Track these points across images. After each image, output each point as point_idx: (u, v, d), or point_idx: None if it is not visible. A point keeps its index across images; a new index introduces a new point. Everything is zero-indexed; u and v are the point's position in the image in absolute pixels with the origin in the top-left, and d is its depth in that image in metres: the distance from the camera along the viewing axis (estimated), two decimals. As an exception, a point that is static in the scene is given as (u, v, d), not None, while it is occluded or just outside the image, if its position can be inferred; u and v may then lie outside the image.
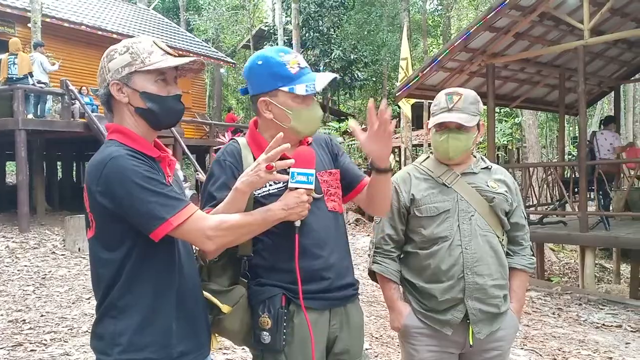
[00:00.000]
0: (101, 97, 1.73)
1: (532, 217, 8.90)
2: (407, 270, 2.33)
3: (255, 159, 1.83)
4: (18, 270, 7.64)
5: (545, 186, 10.15)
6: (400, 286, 2.36)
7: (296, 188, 1.71)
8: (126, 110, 1.70)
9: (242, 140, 2.00)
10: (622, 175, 9.86)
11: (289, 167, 1.70)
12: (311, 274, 1.87)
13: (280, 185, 1.84)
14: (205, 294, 1.86)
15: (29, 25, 12.80)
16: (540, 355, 4.87)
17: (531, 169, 10.04)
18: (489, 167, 2.37)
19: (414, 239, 2.30)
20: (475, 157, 2.40)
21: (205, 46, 22.65)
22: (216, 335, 1.94)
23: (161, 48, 1.71)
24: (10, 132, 10.59)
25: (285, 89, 1.84)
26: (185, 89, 19.50)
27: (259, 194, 1.85)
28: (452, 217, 2.23)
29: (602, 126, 9.84)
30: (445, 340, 2.24)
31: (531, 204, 9.98)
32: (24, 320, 5.43)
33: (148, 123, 1.70)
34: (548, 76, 10.92)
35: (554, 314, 6.39)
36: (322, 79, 1.84)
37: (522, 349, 5.00)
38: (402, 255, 2.38)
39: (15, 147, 10.61)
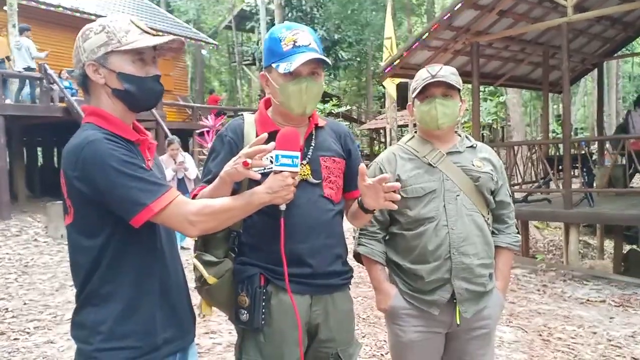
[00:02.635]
0: (77, 79, 1.66)
1: (517, 195, 8.95)
2: (392, 251, 2.31)
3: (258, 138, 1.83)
4: (0, 258, 7.53)
5: (529, 164, 10.19)
6: (386, 267, 2.33)
7: (281, 171, 1.67)
8: (103, 91, 1.63)
9: (249, 116, 2.02)
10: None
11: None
12: (293, 258, 1.85)
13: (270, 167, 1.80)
14: (195, 262, 1.89)
15: (5, 8, 12.49)
16: (526, 331, 4.91)
17: (516, 148, 10.06)
18: (474, 145, 2.35)
19: (399, 220, 2.27)
20: (460, 135, 2.37)
21: (187, 27, 22.30)
22: (208, 304, 1.98)
23: (139, 27, 1.64)
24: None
25: (275, 65, 1.86)
26: (166, 71, 19.39)
27: (258, 171, 1.81)
28: (438, 198, 2.20)
29: (636, 106, 9.82)
30: (432, 320, 2.22)
31: (516, 182, 10.02)
32: (7, 308, 5.37)
33: (126, 105, 1.64)
34: (532, 54, 10.91)
35: (539, 290, 6.44)
36: (300, 59, 1.82)
37: (507, 325, 5.04)
38: (387, 237, 2.35)
39: (-6, 133, 10.42)
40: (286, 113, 1.94)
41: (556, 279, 6.97)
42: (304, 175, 1.91)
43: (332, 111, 20.96)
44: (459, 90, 2.24)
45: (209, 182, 1.84)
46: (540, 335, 4.83)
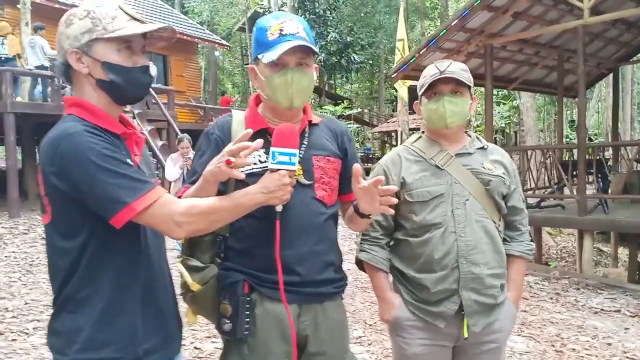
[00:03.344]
0: (58, 68, 1.55)
1: (530, 200, 8.79)
2: (397, 258, 2.18)
3: None
4: (5, 257, 7.49)
5: (543, 169, 10.02)
6: (389, 275, 2.21)
7: (277, 169, 1.55)
8: (86, 82, 1.52)
9: (239, 113, 1.89)
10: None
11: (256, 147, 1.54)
12: (281, 265, 1.72)
13: (267, 164, 1.68)
14: (180, 268, 1.78)
15: (18, 6, 12.51)
16: (538, 341, 4.77)
17: (529, 152, 9.89)
18: (485, 147, 2.21)
19: (404, 226, 2.14)
20: (470, 136, 2.24)
21: (200, 29, 22.29)
22: (193, 312, 1.87)
23: (127, 13, 1.52)
24: (-1, 115, 10.37)
25: (261, 56, 1.74)
26: (179, 72, 19.42)
27: (246, 171, 1.68)
28: (446, 202, 2.07)
29: None
30: (438, 333, 2.09)
31: (529, 187, 9.86)
32: (7, 308, 5.30)
33: (111, 97, 1.53)
34: (547, 57, 10.76)
35: (551, 299, 6.29)
36: (283, 47, 1.69)
37: (519, 335, 4.90)
38: (391, 243, 2.22)
39: (4, 131, 10.38)
40: (275, 108, 1.81)
41: (569, 287, 6.82)
42: (297, 175, 1.76)
43: (343, 113, 20.85)
44: (469, 87, 2.11)
45: (195, 182, 1.71)
46: (553, 345, 4.69)
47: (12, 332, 4.63)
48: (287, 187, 1.56)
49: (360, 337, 4.81)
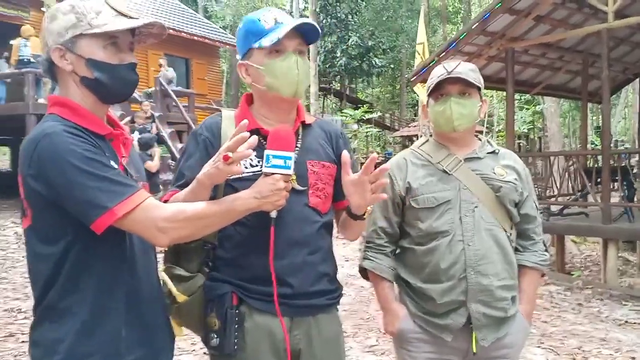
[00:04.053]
0: (42, 65, 1.49)
1: (553, 208, 8.61)
2: (402, 268, 2.08)
3: None
4: (23, 257, 7.50)
5: (566, 176, 9.82)
6: (394, 285, 2.11)
7: (272, 173, 1.45)
8: (71, 80, 1.45)
9: (229, 112, 1.78)
10: None
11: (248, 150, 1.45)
12: (270, 276, 1.63)
13: (257, 168, 1.60)
14: (164, 277, 1.68)
15: (43, 9, 12.70)
16: (559, 354, 4.62)
17: (552, 158, 9.69)
18: (496, 151, 2.10)
19: (410, 233, 2.04)
20: (480, 140, 2.13)
21: (223, 33, 22.45)
22: (178, 323, 1.74)
23: (114, 8, 1.44)
24: (21, 116, 10.50)
25: (256, 45, 1.64)
26: (201, 75, 19.56)
27: (230, 176, 1.59)
28: (453, 209, 1.96)
29: None
30: (445, 347, 1.99)
31: (552, 194, 9.65)
32: (20, 309, 5.32)
33: (96, 95, 1.46)
34: (570, 62, 10.55)
35: (573, 309, 6.12)
36: (288, 27, 1.60)
37: (539, 347, 4.76)
38: (397, 251, 2.12)
39: (27, 132, 10.52)
40: (272, 101, 1.70)
41: (593, 298, 6.63)
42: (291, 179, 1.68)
43: (363, 117, 20.77)
44: (479, 89, 2.01)
45: (182, 186, 1.62)
46: (574, 358, 4.54)
47: (22, 334, 4.62)
48: (282, 192, 1.46)
49: (373, 345, 4.71)
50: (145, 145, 9.20)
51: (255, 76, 1.69)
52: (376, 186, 1.54)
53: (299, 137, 1.76)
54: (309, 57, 1.76)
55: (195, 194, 1.51)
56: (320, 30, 1.67)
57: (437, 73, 2.01)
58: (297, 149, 1.71)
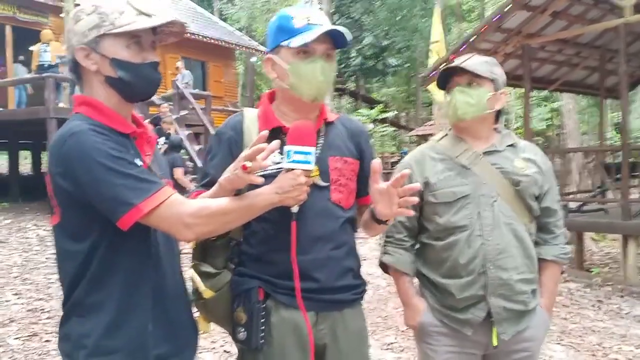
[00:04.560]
0: (68, 65, 1.53)
1: (572, 204, 8.53)
2: (422, 263, 2.09)
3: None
4: (46, 259, 7.66)
5: (585, 172, 9.72)
6: (415, 279, 2.13)
7: (292, 169, 1.48)
8: (95, 79, 1.48)
9: (251, 112, 1.80)
10: None
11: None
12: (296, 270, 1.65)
13: (280, 165, 1.63)
14: (192, 274, 1.72)
15: (62, 15, 12.87)
16: (579, 350, 4.59)
17: (571, 155, 9.60)
18: (516, 144, 2.09)
19: (428, 228, 2.05)
20: (500, 132, 2.13)
21: (238, 35, 22.54)
22: (205, 319, 1.80)
23: (136, 8, 1.47)
24: (42, 120, 10.66)
25: (286, 43, 1.64)
26: (217, 78, 19.64)
27: (262, 174, 1.64)
28: (472, 204, 1.97)
29: None
30: (466, 341, 2.00)
31: (571, 191, 9.57)
32: (43, 309, 5.39)
33: (120, 94, 1.49)
34: (588, 58, 10.42)
35: (593, 306, 6.06)
36: (319, 31, 1.60)
37: (558, 344, 4.72)
38: (417, 246, 2.14)
39: (48, 136, 10.67)
40: (294, 101, 1.71)
41: (613, 295, 6.56)
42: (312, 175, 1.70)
43: (378, 117, 20.72)
44: (493, 80, 2.01)
45: (207, 185, 1.65)
46: (594, 355, 4.50)
47: (46, 333, 4.69)
48: (303, 187, 1.48)
49: (391, 343, 4.71)
50: (177, 147, 9.26)
51: (280, 73, 1.70)
52: (404, 201, 1.55)
53: (322, 134, 1.77)
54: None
55: (217, 195, 1.53)
56: (349, 37, 1.67)
57: (450, 67, 2.03)
58: (319, 145, 1.73)
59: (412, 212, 1.62)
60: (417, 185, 1.57)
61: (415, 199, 1.57)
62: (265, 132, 1.43)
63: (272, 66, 1.73)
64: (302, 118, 1.70)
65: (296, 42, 1.62)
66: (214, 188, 1.56)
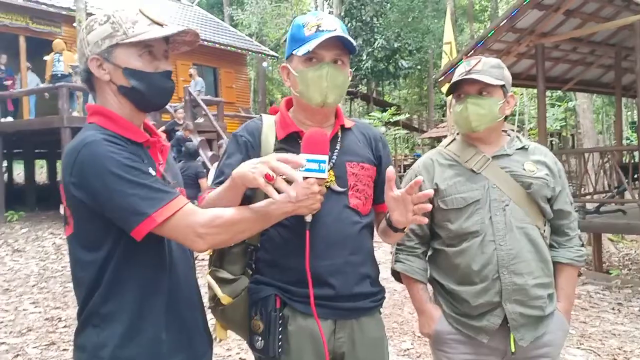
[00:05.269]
0: (81, 75, 1.52)
1: (589, 205, 8.41)
2: (435, 269, 2.07)
3: (277, 140, 1.68)
4: (62, 267, 7.73)
5: (602, 173, 9.59)
6: (428, 286, 2.09)
7: (306, 177, 1.46)
8: (108, 89, 1.48)
9: (268, 118, 1.81)
10: None
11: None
12: (313, 277, 1.62)
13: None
14: (210, 280, 1.72)
15: (74, 24, 13.00)
16: (599, 355, 4.51)
17: (587, 155, 9.48)
18: (526, 146, 2.06)
19: (440, 235, 2.03)
20: (509, 135, 2.10)
21: (249, 40, 22.65)
22: (223, 326, 1.79)
23: (148, 17, 1.47)
24: (56, 130, 10.76)
25: (295, 51, 1.67)
26: (229, 83, 19.74)
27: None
28: (483, 209, 1.94)
29: None
30: (483, 348, 1.97)
31: (587, 192, 9.44)
32: (60, 318, 5.43)
33: (133, 104, 1.49)
34: (603, 56, 10.31)
35: (613, 309, 5.97)
36: (321, 38, 1.61)
37: (578, 348, 4.65)
38: (430, 253, 2.11)
39: (62, 145, 10.77)
40: (307, 107, 1.72)
41: (633, 297, 6.46)
42: (328, 182, 1.68)
43: (391, 120, 20.67)
44: (503, 85, 1.98)
45: (221, 184, 1.63)
46: (615, 359, 4.42)
47: (63, 342, 4.73)
48: (317, 195, 1.47)
49: (408, 349, 4.67)
50: (193, 154, 9.29)
51: (292, 81, 1.73)
52: (418, 208, 1.54)
53: (338, 140, 1.77)
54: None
55: (227, 191, 1.51)
56: (354, 44, 1.68)
57: (459, 72, 2.00)
58: (336, 151, 1.73)
59: (426, 220, 1.59)
60: (431, 191, 1.54)
61: (429, 206, 1.55)
62: (297, 158, 1.40)
63: (287, 75, 1.76)
64: (317, 125, 1.70)
65: (303, 49, 1.63)
66: (226, 183, 1.53)
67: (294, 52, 1.68)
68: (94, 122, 1.46)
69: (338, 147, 1.75)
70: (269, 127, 1.76)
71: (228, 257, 1.74)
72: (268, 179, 1.36)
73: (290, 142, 1.70)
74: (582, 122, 16.71)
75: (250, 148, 1.72)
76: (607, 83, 11.43)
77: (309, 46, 1.61)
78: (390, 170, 1.57)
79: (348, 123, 1.82)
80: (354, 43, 1.68)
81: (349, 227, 1.71)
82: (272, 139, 1.70)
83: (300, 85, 1.69)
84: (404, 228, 1.65)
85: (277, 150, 1.69)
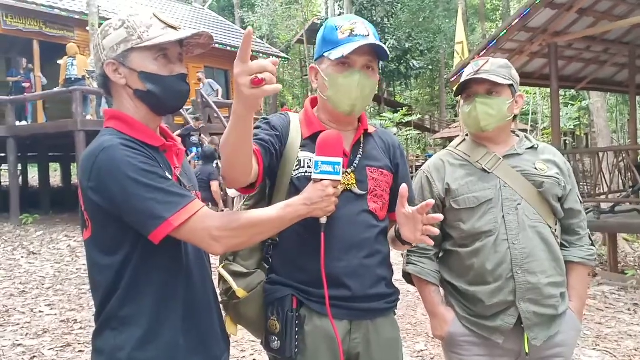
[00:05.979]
0: (97, 80, 1.54)
1: (604, 205, 8.33)
2: (447, 271, 2.06)
3: (303, 139, 1.68)
4: (77, 269, 7.79)
5: (617, 172, 9.50)
6: (440, 288, 2.09)
7: (321, 179, 1.48)
8: (124, 93, 1.50)
9: (294, 116, 1.81)
10: None
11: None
12: (328, 278, 1.62)
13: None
14: (223, 273, 1.72)
15: (87, 28, 13.12)
16: (615, 356, 4.46)
17: (601, 155, 9.39)
18: (535, 146, 2.06)
19: (452, 235, 2.02)
20: (518, 136, 2.10)
21: (260, 42, 22.72)
22: (235, 323, 1.78)
23: (162, 21, 1.49)
24: (70, 133, 10.86)
25: (327, 54, 1.66)
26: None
27: (295, 175, 1.66)
28: (496, 208, 1.94)
29: None
30: (497, 349, 1.96)
31: (602, 191, 9.35)
32: (76, 320, 5.46)
33: (149, 107, 1.50)
34: (616, 54, 10.22)
35: (629, 310, 5.90)
36: (356, 44, 1.60)
37: (594, 349, 4.60)
38: (441, 254, 2.11)
39: (76, 148, 10.87)
40: (332, 111, 1.72)
41: (649, 298, 6.38)
42: (349, 184, 1.69)
43: (402, 120, 20.61)
44: (511, 85, 1.98)
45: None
46: (631, 360, 4.38)
47: (79, 344, 4.76)
48: (331, 198, 1.49)
49: (422, 350, 4.65)
50: (210, 158, 9.32)
51: (320, 84, 1.72)
52: (427, 230, 1.55)
53: (361, 144, 1.78)
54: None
55: (234, 126, 1.36)
56: (387, 51, 1.68)
57: (467, 72, 2.01)
58: (359, 155, 1.74)
59: (432, 242, 1.60)
60: (440, 216, 1.55)
61: (437, 232, 1.57)
62: (250, 29, 1.35)
63: (316, 75, 1.75)
64: (341, 128, 1.71)
65: (336, 54, 1.63)
66: (230, 121, 1.38)
67: (325, 55, 1.68)
68: (111, 126, 1.48)
69: (361, 152, 1.76)
70: (295, 125, 1.76)
71: (242, 252, 1.74)
72: (257, 83, 1.27)
73: (315, 140, 1.67)
74: (596, 121, 16.58)
75: (282, 131, 1.71)
76: (621, 81, 11.35)
77: (343, 50, 1.61)
78: (404, 188, 1.58)
79: (370, 128, 1.83)
80: (387, 50, 1.68)
81: (366, 230, 1.71)
82: (298, 139, 1.71)
83: (329, 90, 1.68)
84: (411, 243, 1.67)
85: (302, 147, 1.70)
